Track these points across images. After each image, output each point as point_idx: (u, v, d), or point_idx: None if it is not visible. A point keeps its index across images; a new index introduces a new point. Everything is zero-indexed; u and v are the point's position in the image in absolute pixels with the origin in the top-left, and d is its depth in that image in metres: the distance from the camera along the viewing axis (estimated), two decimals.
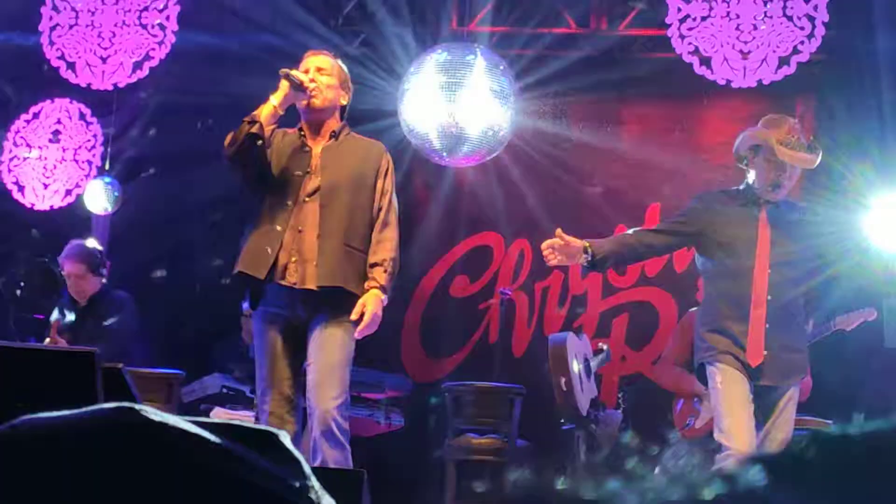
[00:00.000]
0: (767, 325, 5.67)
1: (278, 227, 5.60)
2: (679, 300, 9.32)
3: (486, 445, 7.71)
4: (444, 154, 8.32)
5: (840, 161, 7.77)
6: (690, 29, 8.25)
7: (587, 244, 5.78)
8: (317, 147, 5.79)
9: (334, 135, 5.83)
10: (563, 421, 7.72)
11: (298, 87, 5.63)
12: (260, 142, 5.54)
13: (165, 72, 9.23)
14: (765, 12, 8.05)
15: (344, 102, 5.93)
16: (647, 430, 7.97)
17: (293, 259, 5.57)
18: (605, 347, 8.21)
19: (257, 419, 5.96)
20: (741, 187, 5.93)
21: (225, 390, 7.98)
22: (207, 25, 9.44)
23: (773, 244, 5.75)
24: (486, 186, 9.70)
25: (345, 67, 6.03)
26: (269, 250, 5.55)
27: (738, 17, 8.12)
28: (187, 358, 8.57)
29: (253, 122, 5.53)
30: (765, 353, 5.66)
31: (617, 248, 5.90)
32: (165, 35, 8.97)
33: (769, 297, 5.67)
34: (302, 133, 5.83)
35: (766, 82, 8.09)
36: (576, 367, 7.45)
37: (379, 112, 8.70)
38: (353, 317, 5.52)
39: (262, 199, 5.72)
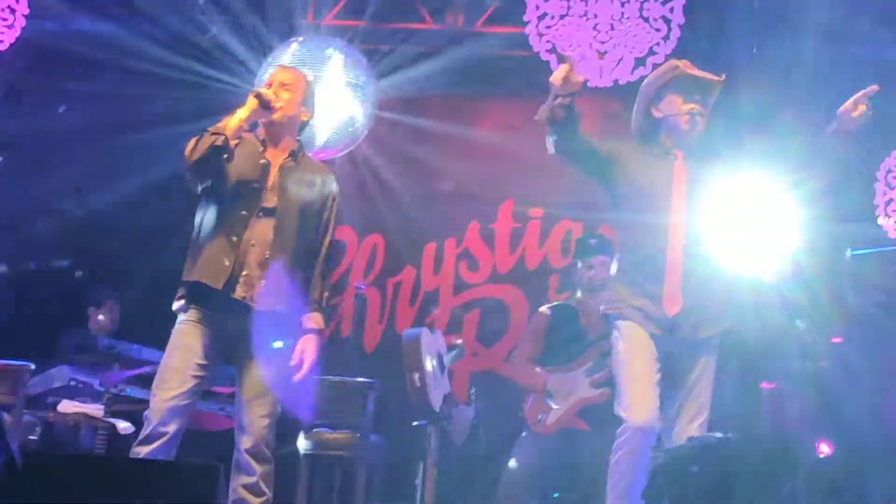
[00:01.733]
0: (683, 271, 5.51)
1: (234, 238, 5.57)
2: (530, 297, 9.37)
3: (339, 440, 7.68)
4: None
5: None
6: (548, 27, 8.32)
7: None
8: (275, 162, 5.76)
9: (293, 154, 5.82)
10: (415, 417, 7.71)
11: (266, 105, 5.64)
12: (225, 155, 5.53)
13: (14, 56, 9.05)
14: (622, 13, 8.14)
15: (304, 119, 5.92)
16: (498, 425, 8.00)
17: (244, 272, 5.56)
18: (458, 343, 8.22)
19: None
20: (655, 142, 5.77)
21: (73, 382, 7.80)
22: (58, 11, 9.25)
23: (690, 185, 5.61)
24: (340, 181, 9.58)
25: (311, 86, 6.05)
26: (227, 262, 5.54)
27: (595, 16, 8.20)
28: (33, 349, 8.39)
29: (218, 135, 5.51)
30: (682, 302, 5.50)
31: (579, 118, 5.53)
32: (15, 19, 8.78)
33: (685, 242, 5.51)
34: (262, 143, 5.80)
35: (622, 82, 8.19)
36: (429, 363, 7.43)
37: (233, 106, 8.59)
38: (293, 363, 5.61)
39: (216, 206, 5.67)
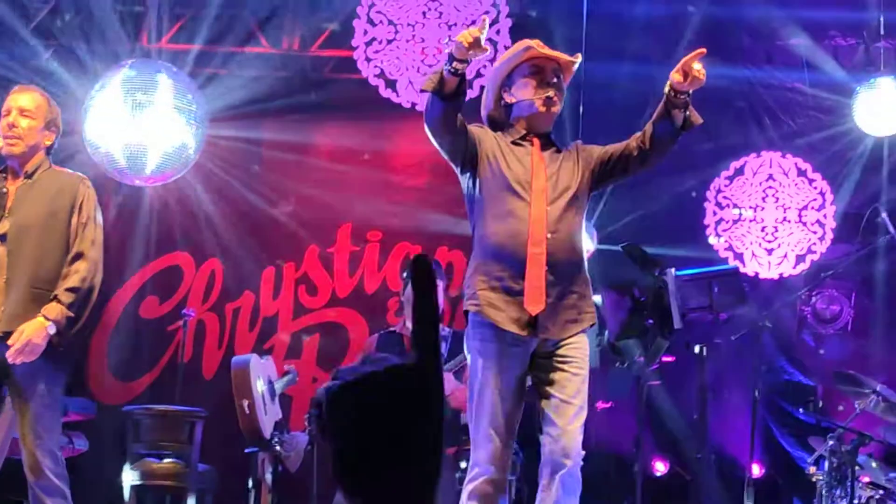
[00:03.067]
0: (548, 267, 5.00)
1: None
2: (370, 320, 9.38)
3: (165, 470, 7.61)
4: (130, 172, 8.18)
5: None
6: (377, 52, 8.32)
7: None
8: (13, 188, 5.65)
9: (28, 175, 5.67)
10: (246, 444, 7.66)
11: None
12: None
13: None
14: (448, 36, 8.11)
15: (48, 143, 5.75)
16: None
17: None
18: (290, 369, 8.19)
19: None
20: (508, 129, 5.29)
21: None
22: None
23: (550, 173, 5.15)
24: (177, 206, 9.56)
25: (54, 106, 5.84)
26: None
27: (423, 40, 8.22)
28: None
29: None
30: (547, 300, 4.99)
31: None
32: None
33: (549, 235, 5.01)
34: (4, 175, 5.69)
35: None
36: (259, 389, 7.40)
37: (68, 128, 8.45)
38: (10, 342, 5.37)
39: None
